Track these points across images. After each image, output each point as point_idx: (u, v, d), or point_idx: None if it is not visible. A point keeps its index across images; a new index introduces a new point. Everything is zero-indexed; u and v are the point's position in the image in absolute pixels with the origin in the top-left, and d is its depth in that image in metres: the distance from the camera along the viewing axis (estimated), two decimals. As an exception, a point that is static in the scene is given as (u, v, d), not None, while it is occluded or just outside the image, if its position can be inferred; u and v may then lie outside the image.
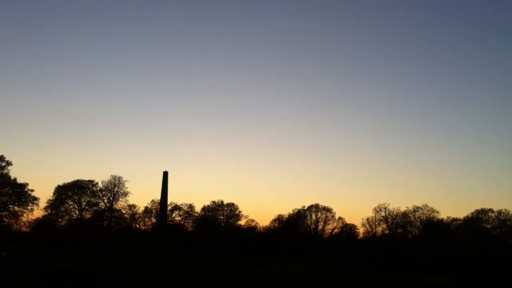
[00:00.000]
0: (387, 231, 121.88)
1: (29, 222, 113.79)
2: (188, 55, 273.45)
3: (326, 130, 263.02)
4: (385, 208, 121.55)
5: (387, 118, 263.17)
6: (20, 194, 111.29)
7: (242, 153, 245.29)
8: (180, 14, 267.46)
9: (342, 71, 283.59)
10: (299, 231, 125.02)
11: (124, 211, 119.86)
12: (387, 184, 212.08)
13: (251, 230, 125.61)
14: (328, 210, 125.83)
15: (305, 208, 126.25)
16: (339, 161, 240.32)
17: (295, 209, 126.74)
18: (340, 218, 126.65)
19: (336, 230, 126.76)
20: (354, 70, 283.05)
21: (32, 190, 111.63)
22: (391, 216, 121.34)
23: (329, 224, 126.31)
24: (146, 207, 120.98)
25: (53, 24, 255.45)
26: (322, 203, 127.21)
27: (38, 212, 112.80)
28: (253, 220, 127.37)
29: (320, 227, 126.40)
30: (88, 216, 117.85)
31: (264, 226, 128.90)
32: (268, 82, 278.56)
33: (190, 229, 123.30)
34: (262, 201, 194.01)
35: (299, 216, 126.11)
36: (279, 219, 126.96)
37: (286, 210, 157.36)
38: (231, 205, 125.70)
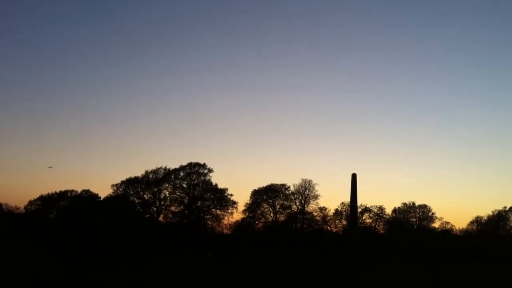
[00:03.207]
0: None
1: (229, 224, 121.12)
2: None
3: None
4: None
5: None
6: (221, 198, 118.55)
7: (432, 151, 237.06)
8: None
9: None
10: (501, 234, 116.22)
11: (315, 214, 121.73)
12: None
13: (446, 233, 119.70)
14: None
15: (507, 208, 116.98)
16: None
17: (495, 210, 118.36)
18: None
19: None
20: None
21: (231, 195, 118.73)
22: None
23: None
24: (336, 210, 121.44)
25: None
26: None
27: (237, 215, 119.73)
28: (448, 223, 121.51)
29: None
30: (282, 218, 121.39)
31: (460, 228, 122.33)
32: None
33: (382, 231, 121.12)
34: (457, 202, 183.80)
35: (500, 217, 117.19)
36: (477, 221, 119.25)
37: (485, 211, 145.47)
38: (424, 207, 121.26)
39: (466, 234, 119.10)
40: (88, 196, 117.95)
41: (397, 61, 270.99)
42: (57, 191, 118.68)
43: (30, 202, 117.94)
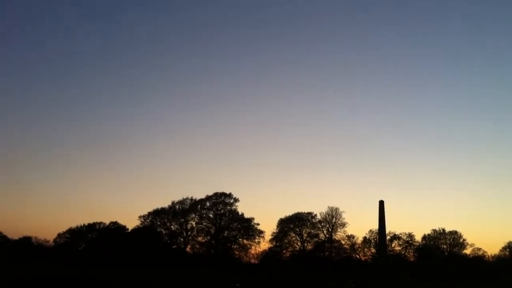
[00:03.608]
0: None
1: (256, 254, 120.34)
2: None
3: None
4: None
5: None
6: (248, 228, 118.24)
7: (461, 176, 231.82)
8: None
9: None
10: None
11: (343, 242, 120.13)
12: None
13: (478, 259, 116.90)
14: None
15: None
16: None
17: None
18: None
19: None
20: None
21: (257, 224, 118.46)
22: None
23: None
24: (365, 237, 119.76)
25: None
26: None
27: (264, 244, 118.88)
28: (479, 249, 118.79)
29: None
30: (309, 247, 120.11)
31: (492, 254, 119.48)
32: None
33: (412, 259, 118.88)
34: (488, 228, 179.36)
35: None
36: (509, 246, 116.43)
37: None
38: (454, 233, 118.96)
39: (498, 260, 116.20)
40: (116, 228, 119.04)
41: (425, 89, 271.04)
42: (86, 224, 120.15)
43: (59, 235, 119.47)
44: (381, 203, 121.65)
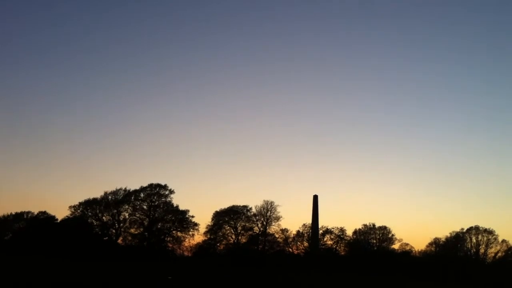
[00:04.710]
0: None
1: (190, 247, 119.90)
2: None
3: (485, 149, 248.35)
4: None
5: None
6: (182, 220, 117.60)
7: (392, 175, 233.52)
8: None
9: None
10: (458, 255, 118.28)
11: (277, 235, 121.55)
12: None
13: (406, 254, 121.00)
14: (489, 232, 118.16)
15: (464, 230, 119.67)
16: (500, 180, 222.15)
17: (452, 231, 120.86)
18: (504, 240, 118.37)
19: (500, 254, 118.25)
20: None
21: (192, 217, 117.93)
22: None
23: (492, 247, 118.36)
24: (298, 231, 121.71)
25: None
26: (483, 224, 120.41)
27: (198, 237, 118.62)
28: (407, 244, 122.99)
29: (482, 250, 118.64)
30: (244, 240, 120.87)
31: (419, 250, 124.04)
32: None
33: (343, 253, 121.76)
34: (416, 224, 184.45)
35: (457, 239, 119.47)
36: (435, 242, 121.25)
37: (443, 232, 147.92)
38: (383, 228, 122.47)
39: (424, 255, 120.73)
40: (45, 218, 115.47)
41: (359, 82, 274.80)
42: (13, 213, 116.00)
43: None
44: (315, 198, 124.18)
